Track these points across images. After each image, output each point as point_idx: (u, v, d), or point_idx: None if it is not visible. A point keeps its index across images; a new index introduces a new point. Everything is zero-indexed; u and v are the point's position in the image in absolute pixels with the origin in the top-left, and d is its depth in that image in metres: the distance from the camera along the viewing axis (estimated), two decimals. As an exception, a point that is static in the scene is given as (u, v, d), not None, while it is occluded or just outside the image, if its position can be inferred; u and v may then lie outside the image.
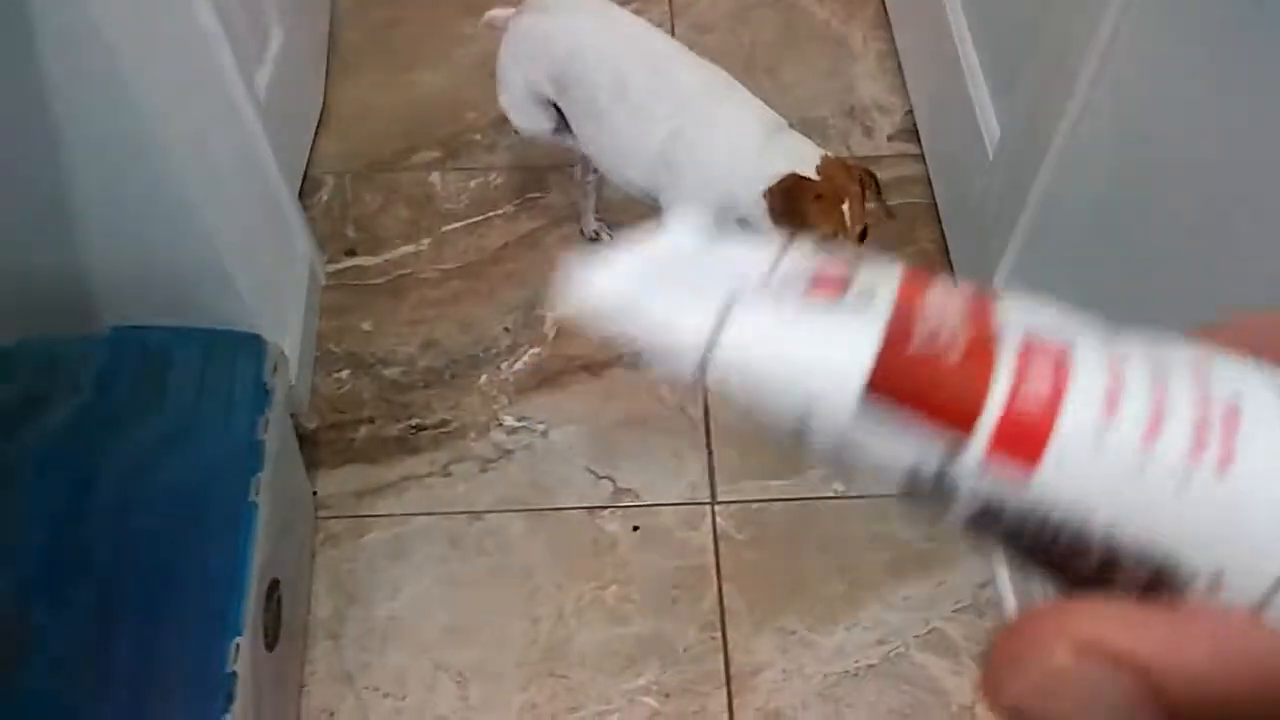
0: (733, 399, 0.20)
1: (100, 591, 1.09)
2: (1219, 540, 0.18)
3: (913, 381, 0.19)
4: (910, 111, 2.04)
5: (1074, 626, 0.18)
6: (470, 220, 1.89)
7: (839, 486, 1.58)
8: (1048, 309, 0.21)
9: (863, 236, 1.40)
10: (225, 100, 1.46)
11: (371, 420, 1.64)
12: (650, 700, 1.39)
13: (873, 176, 1.43)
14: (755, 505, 1.56)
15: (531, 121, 1.63)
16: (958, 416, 0.19)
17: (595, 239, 1.85)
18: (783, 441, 0.20)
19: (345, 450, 1.61)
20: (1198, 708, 0.17)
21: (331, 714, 1.37)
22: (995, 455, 0.19)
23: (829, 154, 1.44)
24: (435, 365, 1.71)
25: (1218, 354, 0.20)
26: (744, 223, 1.61)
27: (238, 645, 1.08)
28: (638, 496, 1.57)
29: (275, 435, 1.27)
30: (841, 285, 0.20)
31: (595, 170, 1.70)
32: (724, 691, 1.39)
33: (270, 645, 1.21)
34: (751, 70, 2.04)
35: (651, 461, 1.60)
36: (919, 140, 1.99)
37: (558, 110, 1.59)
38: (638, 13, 1.60)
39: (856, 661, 1.41)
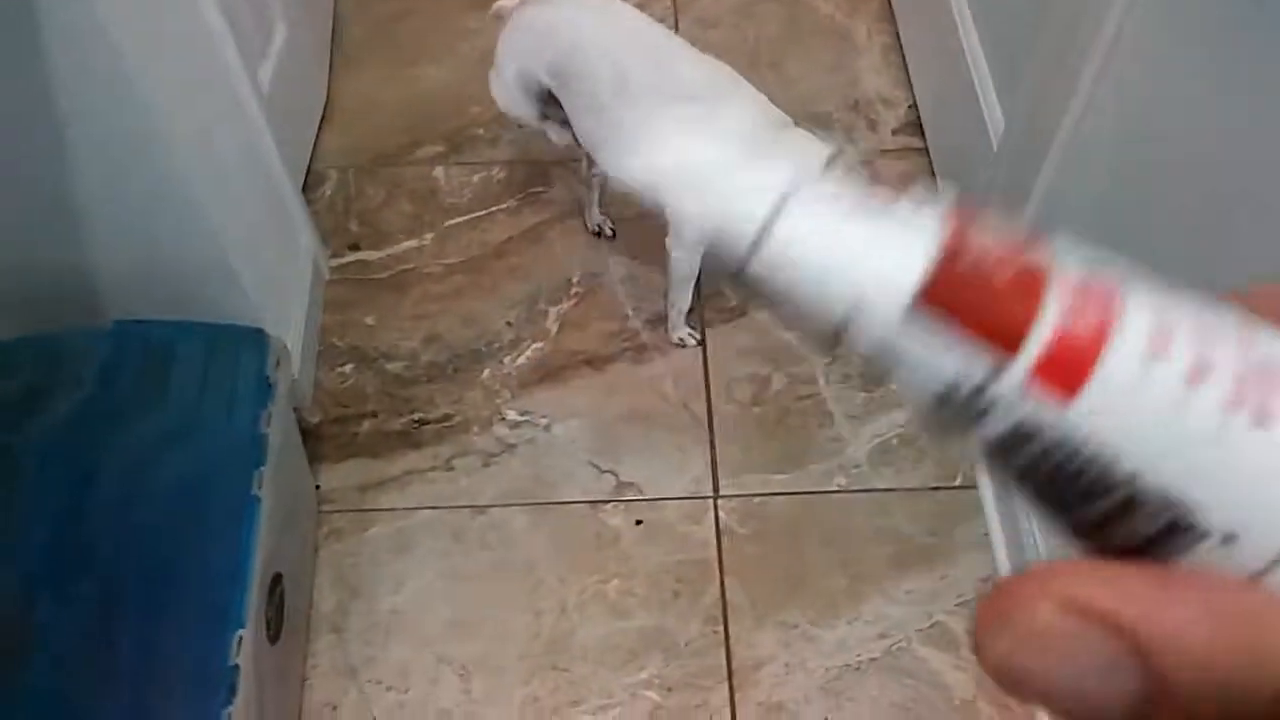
0: (777, 290, 0.20)
1: (103, 585, 1.09)
2: (1241, 498, 0.18)
3: (965, 294, 0.18)
4: (914, 105, 2.03)
5: (1059, 586, 0.18)
6: (473, 215, 1.89)
7: (841, 481, 1.58)
8: (1099, 251, 0.20)
9: None
10: (229, 95, 1.46)
11: (374, 414, 1.65)
12: (652, 694, 1.39)
13: (866, 163, 1.43)
14: (758, 499, 1.56)
15: (519, 108, 1.63)
16: (1006, 335, 0.18)
17: (599, 233, 1.85)
18: (817, 342, 0.20)
19: (348, 444, 1.62)
20: (1184, 670, 0.17)
21: (334, 707, 1.38)
22: (1037, 379, 0.18)
23: (832, 145, 1.45)
24: (438, 360, 1.71)
25: (1258, 318, 0.20)
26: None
27: (240, 638, 1.09)
28: (640, 491, 1.57)
29: (278, 429, 1.27)
30: (893, 189, 0.20)
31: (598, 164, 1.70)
32: (726, 685, 1.40)
33: (273, 639, 1.21)
34: (756, 65, 2.04)
35: (654, 456, 1.61)
36: (923, 134, 1.98)
37: (555, 103, 1.58)
38: (641, 8, 1.60)
39: (858, 655, 1.41)
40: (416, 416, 1.64)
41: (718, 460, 1.60)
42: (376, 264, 1.82)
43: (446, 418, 1.64)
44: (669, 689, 1.39)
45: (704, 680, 1.40)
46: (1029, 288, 0.18)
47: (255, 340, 1.32)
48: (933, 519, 1.53)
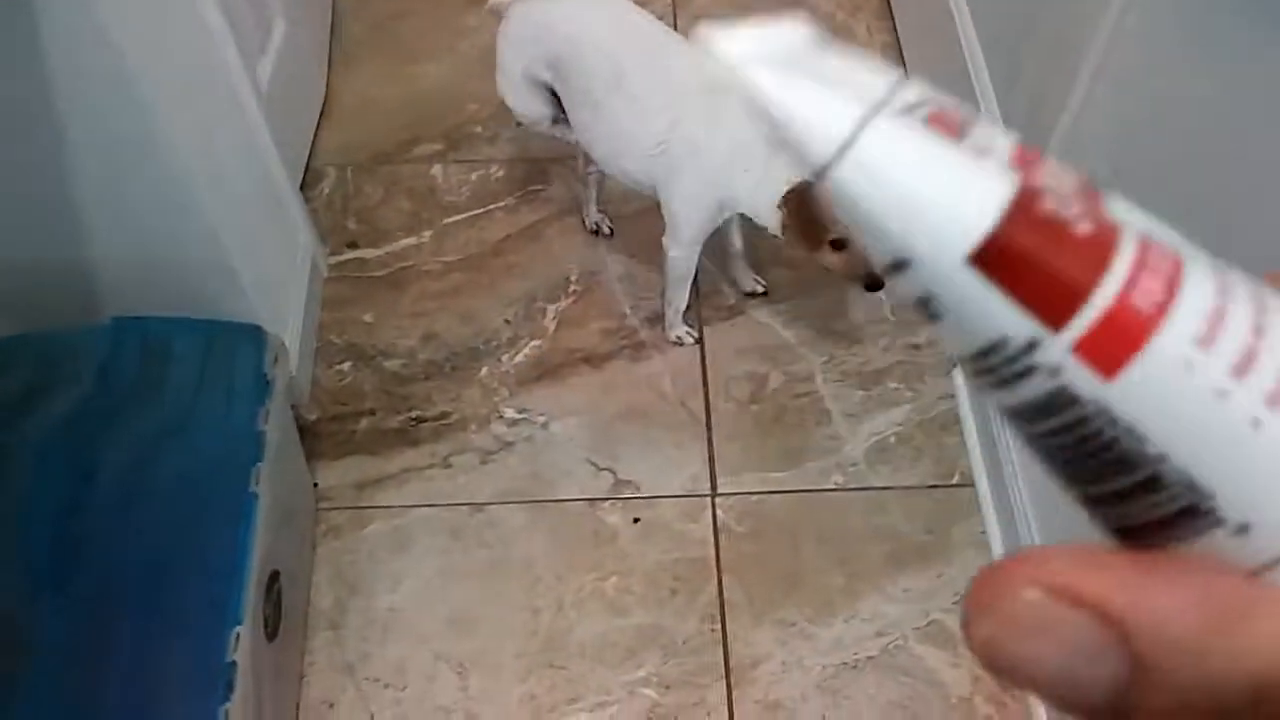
0: (847, 207, 0.19)
1: (101, 582, 1.09)
2: (1263, 492, 0.18)
3: (1025, 254, 0.18)
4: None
5: (1047, 571, 0.18)
6: (471, 213, 1.89)
7: (839, 479, 1.58)
8: (1153, 218, 0.20)
9: None
10: (228, 93, 1.46)
11: (372, 412, 1.65)
12: (650, 692, 1.39)
13: None
14: (755, 497, 1.56)
15: (527, 106, 1.63)
16: (1062, 301, 0.18)
17: (597, 231, 1.85)
18: (881, 266, 0.19)
19: (346, 442, 1.62)
20: (1169, 657, 0.17)
21: (332, 705, 1.38)
22: (1085, 349, 0.18)
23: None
24: (436, 357, 1.71)
25: None
26: (743, 219, 1.61)
27: (238, 635, 1.09)
28: (638, 488, 1.57)
29: (276, 426, 1.27)
30: (965, 130, 0.19)
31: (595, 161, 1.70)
32: (723, 683, 1.40)
33: (271, 636, 1.21)
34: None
35: (652, 453, 1.61)
36: (921, 133, 1.98)
37: (556, 98, 1.58)
38: (639, 4, 1.60)
39: (855, 653, 1.42)
40: (414, 414, 1.65)
41: (715, 458, 1.60)
42: (374, 261, 1.82)
43: (444, 415, 1.64)
44: (666, 687, 1.39)
45: (701, 678, 1.40)
46: (1094, 253, 0.18)
47: (253, 337, 1.32)
48: (930, 517, 1.53)
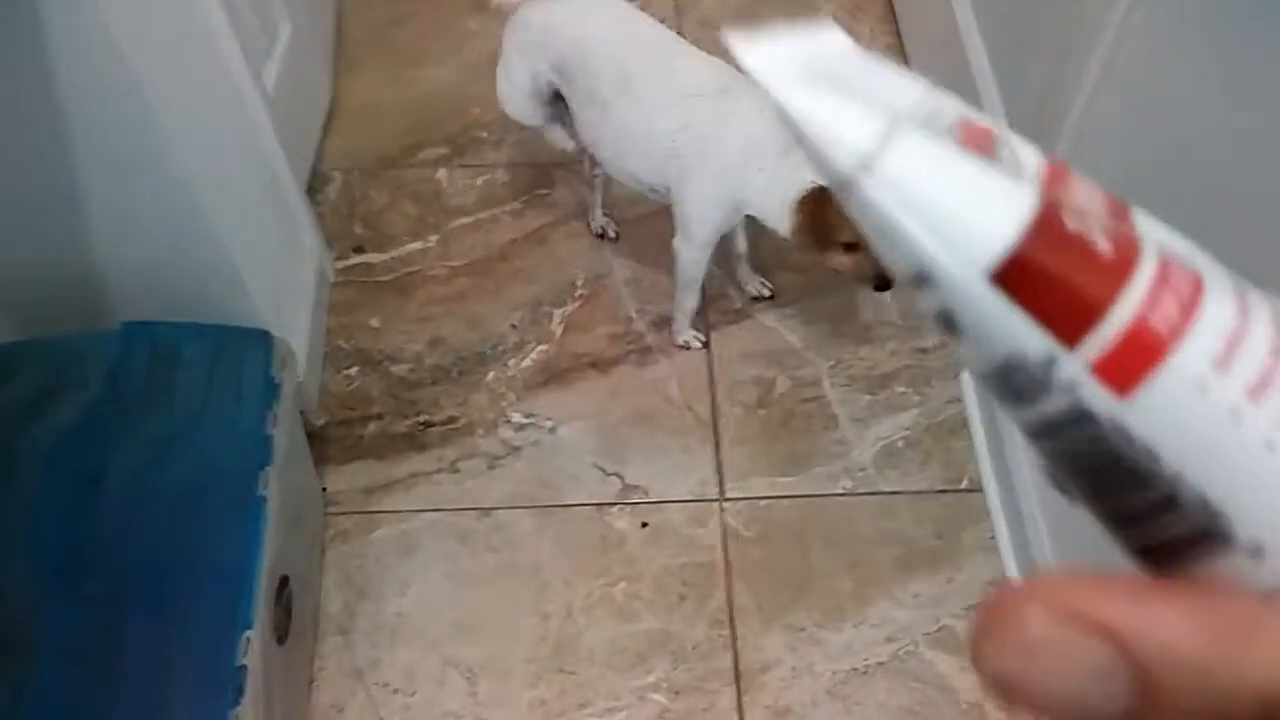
0: (869, 220, 0.19)
1: (111, 585, 1.09)
2: (1277, 516, 0.18)
3: (1046, 272, 0.18)
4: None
5: (1054, 596, 0.18)
6: (477, 217, 1.89)
7: (847, 484, 1.57)
8: (1177, 234, 0.20)
9: None
10: (234, 98, 1.46)
11: (380, 417, 1.64)
12: (659, 697, 1.39)
13: None
14: (764, 502, 1.56)
15: (522, 111, 1.63)
16: (1085, 313, 0.18)
17: (602, 235, 1.85)
18: (900, 280, 0.19)
19: (354, 447, 1.61)
20: (1176, 678, 0.17)
21: (341, 709, 1.37)
22: (1107, 363, 0.18)
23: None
24: (443, 362, 1.71)
25: None
26: (748, 222, 1.61)
27: (248, 639, 1.08)
28: (646, 493, 1.57)
29: (284, 430, 1.27)
30: (990, 145, 0.19)
31: (601, 165, 1.70)
32: (733, 689, 1.39)
33: (280, 640, 1.21)
34: (759, 67, 2.04)
35: (660, 458, 1.60)
36: (927, 137, 1.98)
37: (559, 100, 1.58)
38: (643, 9, 1.60)
39: (866, 659, 1.41)
40: (422, 419, 1.64)
41: (723, 463, 1.60)
42: (381, 266, 1.82)
43: (451, 420, 1.64)
44: (676, 692, 1.39)
45: (711, 683, 1.40)
46: (1113, 272, 0.18)
47: (261, 342, 1.32)
48: (939, 522, 1.53)
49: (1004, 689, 0.18)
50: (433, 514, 1.54)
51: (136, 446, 1.19)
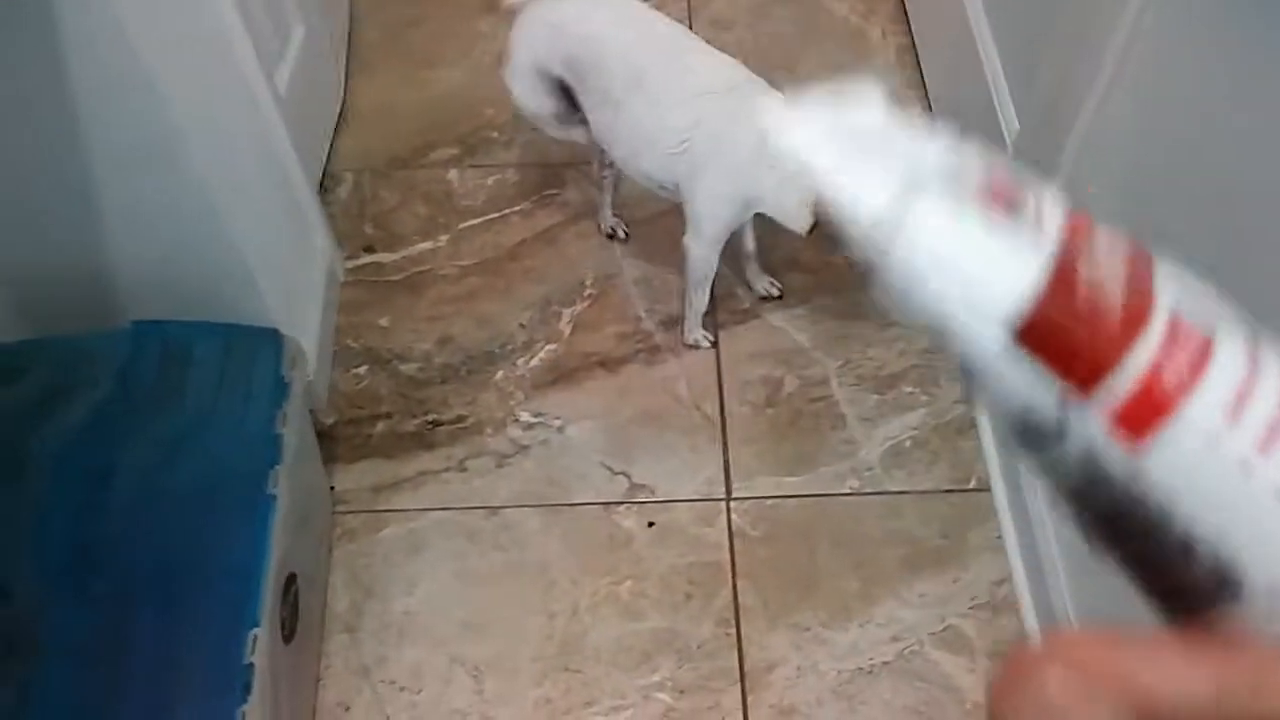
0: (888, 281, 0.20)
1: (119, 584, 1.10)
2: None
3: (1063, 328, 0.19)
4: (929, 107, 2.03)
5: (1071, 655, 0.19)
6: (488, 217, 1.90)
7: (854, 483, 1.57)
8: (1196, 283, 0.21)
9: None
10: (247, 98, 1.47)
11: (389, 416, 1.65)
12: (665, 696, 1.39)
13: None
14: (770, 502, 1.56)
15: (533, 101, 1.63)
16: (1097, 367, 0.19)
17: (612, 235, 1.86)
18: (925, 335, 0.20)
19: (362, 445, 1.62)
20: None
21: (347, 707, 1.38)
22: (1119, 415, 0.18)
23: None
24: (452, 361, 1.71)
25: None
26: (757, 222, 1.62)
27: (255, 637, 1.09)
28: (653, 492, 1.57)
29: (293, 429, 1.28)
30: (1013, 203, 0.20)
31: (612, 165, 1.70)
32: (738, 688, 1.40)
33: (287, 638, 1.22)
34: (770, 66, 2.03)
35: (667, 458, 1.61)
36: (937, 136, 1.98)
37: (569, 98, 1.58)
38: (657, 8, 1.60)
39: (871, 659, 1.41)
40: (430, 418, 1.65)
41: (730, 462, 1.60)
42: (391, 266, 1.83)
43: (460, 419, 1.65)
44: (681, 691, 1.39)
45: (716, 682, 1.40)
46: (1125, 328, 0.19)
47: (271, 341, 1.33)
48: (945, 522, 1.53)
49: None
50: (441, 513, 1.55)
51: (146, 445, 1.21)
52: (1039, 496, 1.40)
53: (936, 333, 0.20)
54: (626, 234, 1.85)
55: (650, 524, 1.54)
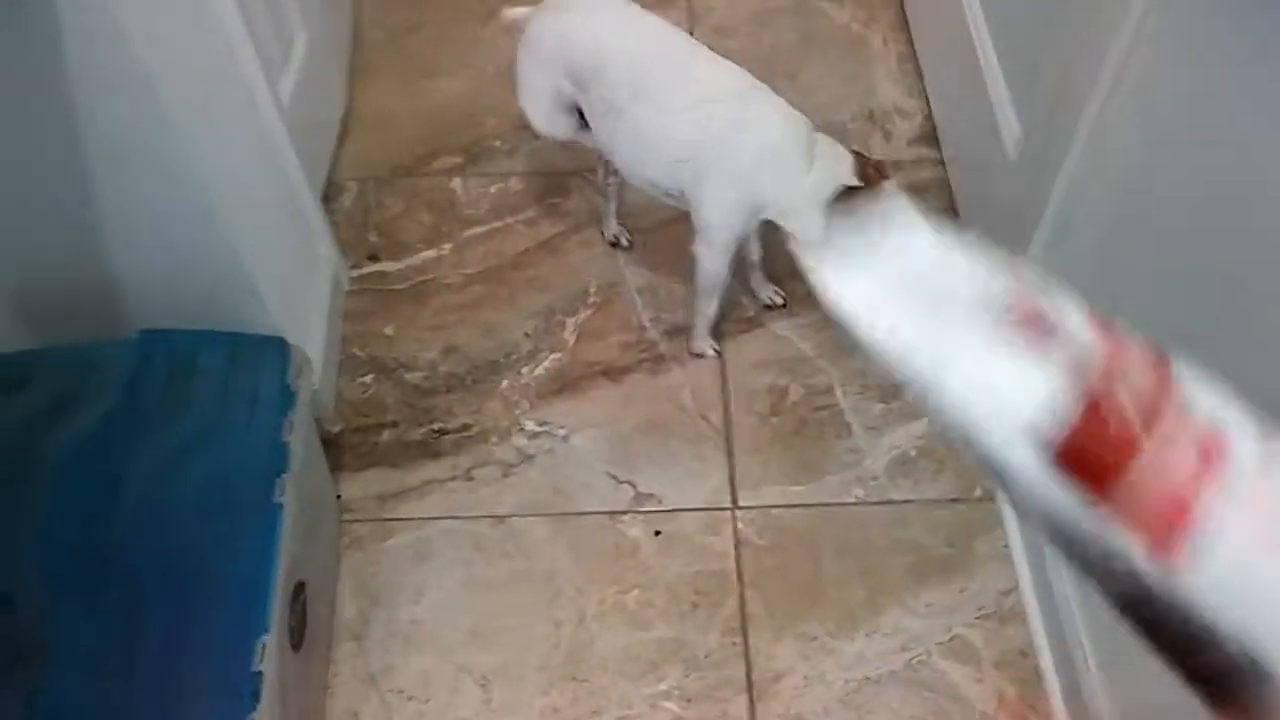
0: (933, 409, 0.22)
1: (128, 590, 1.10)
2: None
3: (1093, 450, 0.20)
4: (929, 115, 2.04)
5: None
6: (491, 225, 1.90)
7: (860, 492, 1.57)
8: (1213, 389, 0.22)
9: None
10: (250, 107, 1.47)
11: (394, 424, 1.65)
12: (672, 705, 1.39)
13: (881, 163, 1.52)
14: (776, 511, 1.56)
15: (551, 125, 1.63)
16: (1116, 480, 0.20)
17: (616, 244, 1.86)
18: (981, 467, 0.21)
19: (368, 454, 1.62)
20: None
21: (356, 715, 1.38)
22: (1141, 523, 0.20)
23: (850, 149, 1.50)
24: (457, 370, 1.71)
25: None
26: (761, 230, 1.62)
27: (264, 645, 1.09)
28: (659, 501, 1.57)
29: (300, 437, 1.28)
30: (1041, 323, 0.21)
31: (616, 173, 1.70)
32: (745, 697, 1.39)
33: (296, 646, 1.22)
34: (772, 74, 2.03)
35: (673, 467, 1.61)
36: (938, 144, 1.99)
37: (583, 115, 1.59)
38: (658, 16, 1.60)
39: (878, 668, 1.41)
40: (436, 426, 1.65)
41: (736, 471, 1.60)
42: (395, 275, 1.83)
43: (465, 428, 1.65)
44: (688, 700, 1.39)
45: (723, 692, 1.40)
46: (1154, 449, 0.20)
47: (277, 349, 1.33)
48: (951, 531, 1.53)
49: None
50: (447, 521, 1.55)
51: (153, 453, 1.20)
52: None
53: (963, 442, 0.22)
54: (630, 242, 1.86)
55: (656, 533, 1.54)
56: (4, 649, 1.05)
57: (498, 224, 1.90)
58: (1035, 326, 0.22)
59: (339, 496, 1.56)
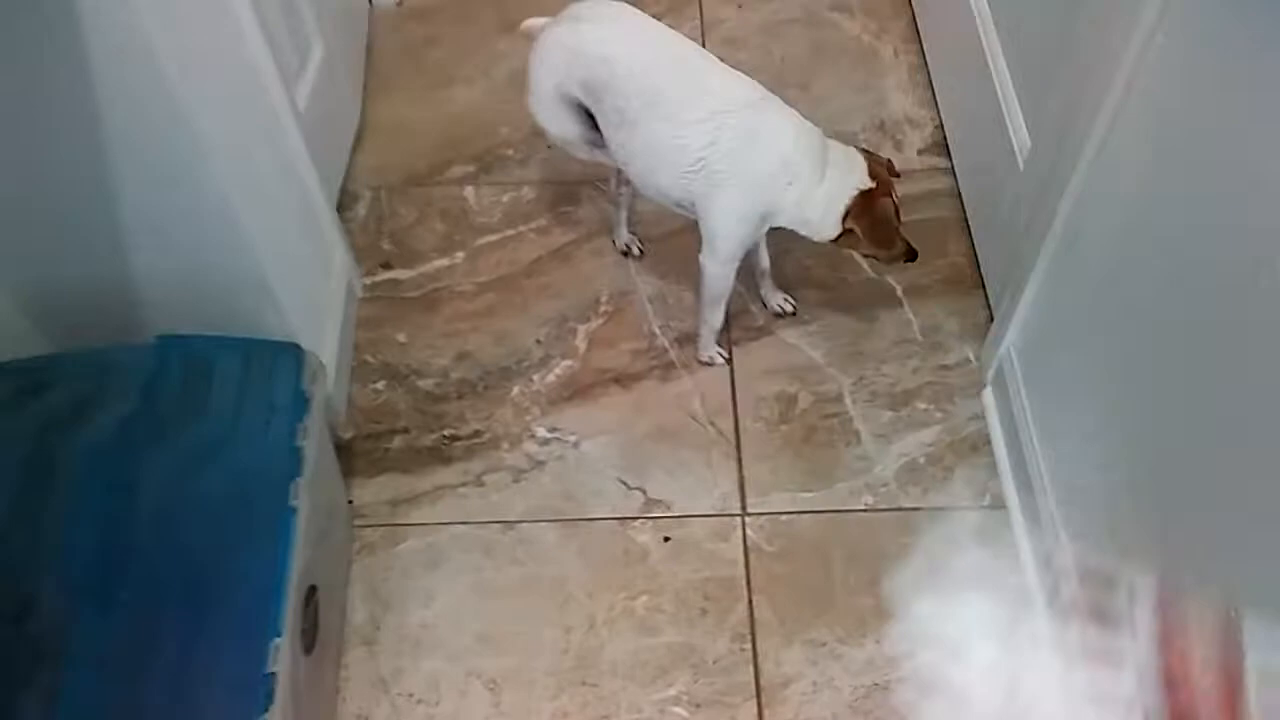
0: None
1: (144, 592, 1.11)
2: None
3: None
4: (940, 125, 2.05)
5: None
6: (504, 234, 1.92)
7: (869, 499, 1.58)
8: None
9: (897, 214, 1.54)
10: (268, 116, 1.49)
11: (406, 430, 1.67)
12: (680, 710, 1.40)
13: (890, 162, 1.58)
14: (785, 517, 1.57)
15: (559, 126, 1.64)
16: None
17: (627, 252, 1.87)
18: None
19: (380, 460, 1.64)
20: None
21: (366, 718, 1.39)
22: None
23: (859, 150, 1.54)
24: (469, 377, 1.73)
25: None
26: (776, 235, 1.63)
27: (277, 647, 1.10)
28: (669, 508, 1.58)
29: (314, 442, 1.29)
30: (1110, 624, 0.23)
31: (628, 183, 1.72)
32: (754, 703, 1.40)
33: (308, 650, 1.23)
34: (783, 84, 2.04)
35: (683, 473, 1.62)
36: (949, 154, 2.00)
37: (590, 117, 1.60)
38: (670, 27, 1.62)
39: (887, 674, 1.41)
40: (447, 433, 1.66)
41: (745, 478, 1.61)
42: (408, 282, 1.85)
43: (477, 434, 1.66)
44: (697, 705, 1.40)
45: (732, 697, 1.40)
46: None
47: (292, 355, 1.34)
48: (960, 538, 1.53)
49: None
50: (458, 527, 1.56)
51: (170, 457, 1.22)
52: (1054, 514, 1.41)
53: None
54: (641, 251, 1.87)
55: (666, 539, 1.55)
56: (22, 650, 1.06)
57: (510, 232, 1.92)
58: (1102, 627, 0.23)
59: (351, 502, 1.58)
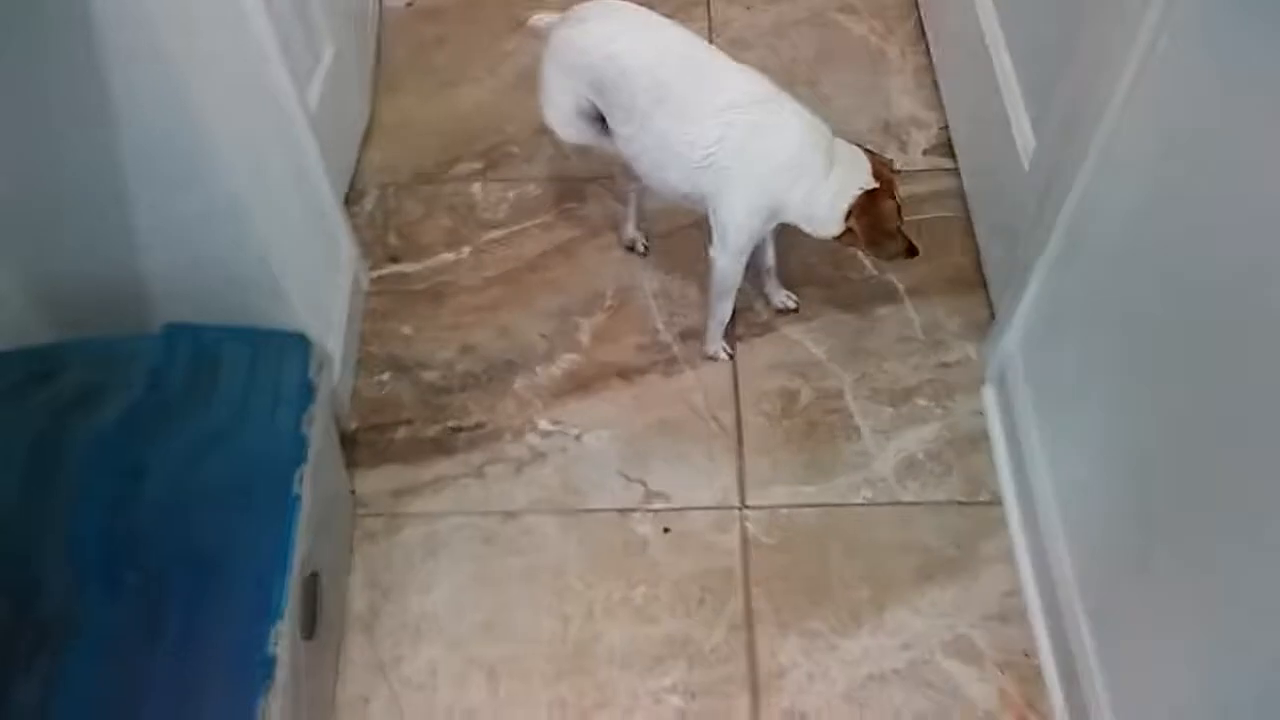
0: None
1: (149, 576, 1.14)
2: None
3: None
4: (945, 126, 2.06)
5: None
6: (509, 230, 1.94)
7: (868, 494, 1.59)
8: None
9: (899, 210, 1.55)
10: (279, 113, 1.51)
11: (410, 422, 1.69)
12: (676, 699, 1.41)
13: (890, 161, 1.59)
14: (784, 510, 1.58)
15: (574, 132, 1.66)
16: None
17: (632, 248, 1.89)
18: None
19: (384, 450, 1.66)
20: None
21: (366, 702, 1.41)
22: None
23: (862, 148, 1.55)
24: (473, 370, 1.75)
25: None
26: (782, 231, 1.64)
27: (279, 630, 1.13)
28: (669, 500, 1.60)
29: (319, 431, 1.31)
30: None
31: (636, 179, 1.73)
32: (749, 693, 1.41)
33: (308, 635, 1.25)
34: (791, 85, 2.05)
35: (683, 466, 1.63)
36: (953, 155, 2.01)
37: (603, 122, 1.62)
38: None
39: (881, 666, 1.43)
40: (451, 424, 1.68)
41: (745, 471, 1.62)
42: (415, 276, 1.87)
43: (480, 425, 1.68)
44: (693, 695, 1.41)
45: (727, 687, 1.42)
46: None
47: (298, 345, 1.37)
48: (958, 533, 1.54)
49: None
50: (459, 517, 1.58)
51: (176, 444, 1.24)
52: (1051, 510, 1.42)
53: None
54: (647, 248, 1.89)
55: (665, 530, 1.56)
56: (29, 631, 1.09)
57: (516, 228, 1.94)
58: None
59: (353, 491, 1.60)
